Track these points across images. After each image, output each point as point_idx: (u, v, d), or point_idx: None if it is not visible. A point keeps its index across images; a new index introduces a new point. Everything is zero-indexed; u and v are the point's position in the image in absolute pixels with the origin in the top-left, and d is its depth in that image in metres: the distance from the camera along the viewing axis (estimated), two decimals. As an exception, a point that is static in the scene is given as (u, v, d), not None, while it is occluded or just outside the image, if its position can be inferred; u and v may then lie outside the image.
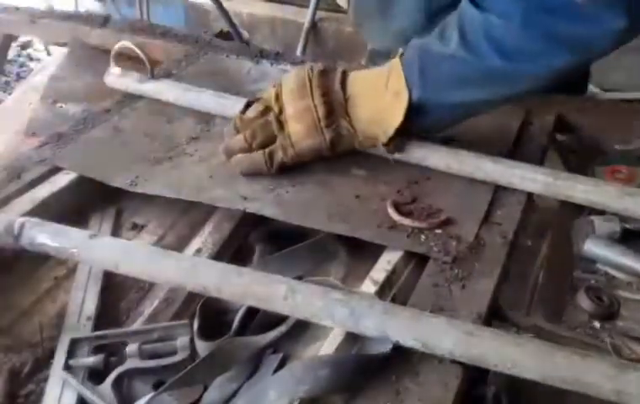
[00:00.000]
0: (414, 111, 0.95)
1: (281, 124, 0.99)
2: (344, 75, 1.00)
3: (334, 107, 0.98)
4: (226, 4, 2.34)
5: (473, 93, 0.95)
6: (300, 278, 0.82)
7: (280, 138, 0.98)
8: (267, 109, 1.00)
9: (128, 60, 1.24)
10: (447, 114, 0.98)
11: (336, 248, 0.92)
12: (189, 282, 0.80)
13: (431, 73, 0.95)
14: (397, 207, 0.93)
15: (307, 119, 0.98)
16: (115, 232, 0.98)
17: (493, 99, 0.97)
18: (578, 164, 1.09)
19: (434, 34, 0.97)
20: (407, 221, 0.91)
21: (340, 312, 0.73)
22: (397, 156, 1.01)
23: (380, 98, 0.97)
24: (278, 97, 0.99)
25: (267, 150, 0.99)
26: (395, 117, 0.95)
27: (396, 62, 0.97)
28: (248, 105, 1.03)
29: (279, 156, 0.99)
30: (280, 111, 0.99)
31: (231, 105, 1.15)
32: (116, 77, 1.24)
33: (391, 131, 0.96)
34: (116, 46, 1.19)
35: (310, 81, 0.98)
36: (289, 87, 0.99)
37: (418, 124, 0.97)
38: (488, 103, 0.99)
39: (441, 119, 0.99)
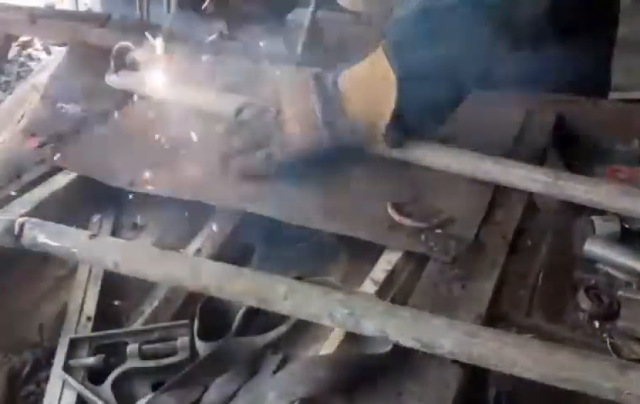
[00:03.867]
0: (405, 90, 0.95)
1: (280, 126, 0.99)
2: (335, 75, 1.01)
3: (331, 105, 0.98)
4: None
5: (443, 47, 0.95)
6: (300, 278, 0.82)
7: (279, 139, 0.99)
8: (263, 112, 1.01)
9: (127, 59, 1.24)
10: (431, 85, 0.97)
11: (336, 248, 0.92)
12: (189, 282, 0.80)
13: (403, 42, 0.96)
14: (397, 207, 0.93)
15: (307, 119, 0.98)
16: (115, 232, 0.98)
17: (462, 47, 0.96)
18: (578, 164, 1.09)
19: (398, 2, 1.00)
20: (407, 221, 0.91)
21: (340, 312, 0.73)
22: (397, 155, 1.01)
23: (371, 87, 0.98)
24: (275, 100, 1.00)
25: (265, 151, 0.99)
26: (388, 101, 0.96)
27: (379, 49, 0.98)
28: (239, 111, 1.04)
29: (278, 156, 0.99)
30: (278, 113, 0.99)
31: (231, 105, 1.15)
32: (116, 77, 1.23)
33: (387, 116, 0.97)
34: (116, 46, 1.19)
35: (307, 84, 0.99)
36: (287, 90, 1.00)
37: (413, 104, 0.97)
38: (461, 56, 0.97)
39: (430, 95, 0.98)
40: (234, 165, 1.00)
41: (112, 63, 1.22)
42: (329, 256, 0.91)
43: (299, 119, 0.98)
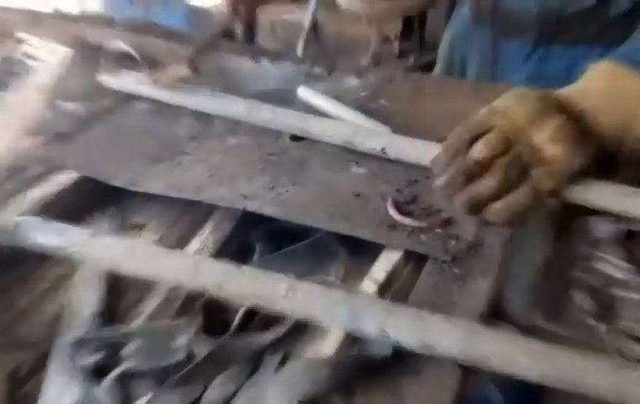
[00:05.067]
0: None
1: (537, 153, 0.85)
2: (559, 95, 0.90)
3: (582, 119, 0.87)
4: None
5: None
6: (300, 278, 0.82)
7: (541, 168, 0.85)
8: (506, 141, 0.85)
9: (128, 59, 1.24)
10: None
11: (336, 248, 0.92)
12: (190, 281, 0.80)
13: None
14: (398, 206, 0.93)
15: (567, 137, 0.85)
16: (115, 232, 0.98)
17: None
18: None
19: None
20: (407, 221, 0.91)
21: (340, 312, 0.73)
22: (396, 155, 1.01)
23: (624, 103, 0.87)
24: (515, 125, 0.85)
25: (530, 185, 0.84)
26: None
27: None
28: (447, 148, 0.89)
29: (546, 185, 0.85)
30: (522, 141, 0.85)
31: (230, 105, 1.15)
32: (116, 77, 1.24)
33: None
34: (113, 46, 1.19)
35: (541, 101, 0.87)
36: (527, 111, 0.86)
37: None
38: None
39: None
40: (494, 213, 0.84)
41: (106, 63, 1.21)
42: (329, 256, 0.91)
43: (561, 138, 0.84)
